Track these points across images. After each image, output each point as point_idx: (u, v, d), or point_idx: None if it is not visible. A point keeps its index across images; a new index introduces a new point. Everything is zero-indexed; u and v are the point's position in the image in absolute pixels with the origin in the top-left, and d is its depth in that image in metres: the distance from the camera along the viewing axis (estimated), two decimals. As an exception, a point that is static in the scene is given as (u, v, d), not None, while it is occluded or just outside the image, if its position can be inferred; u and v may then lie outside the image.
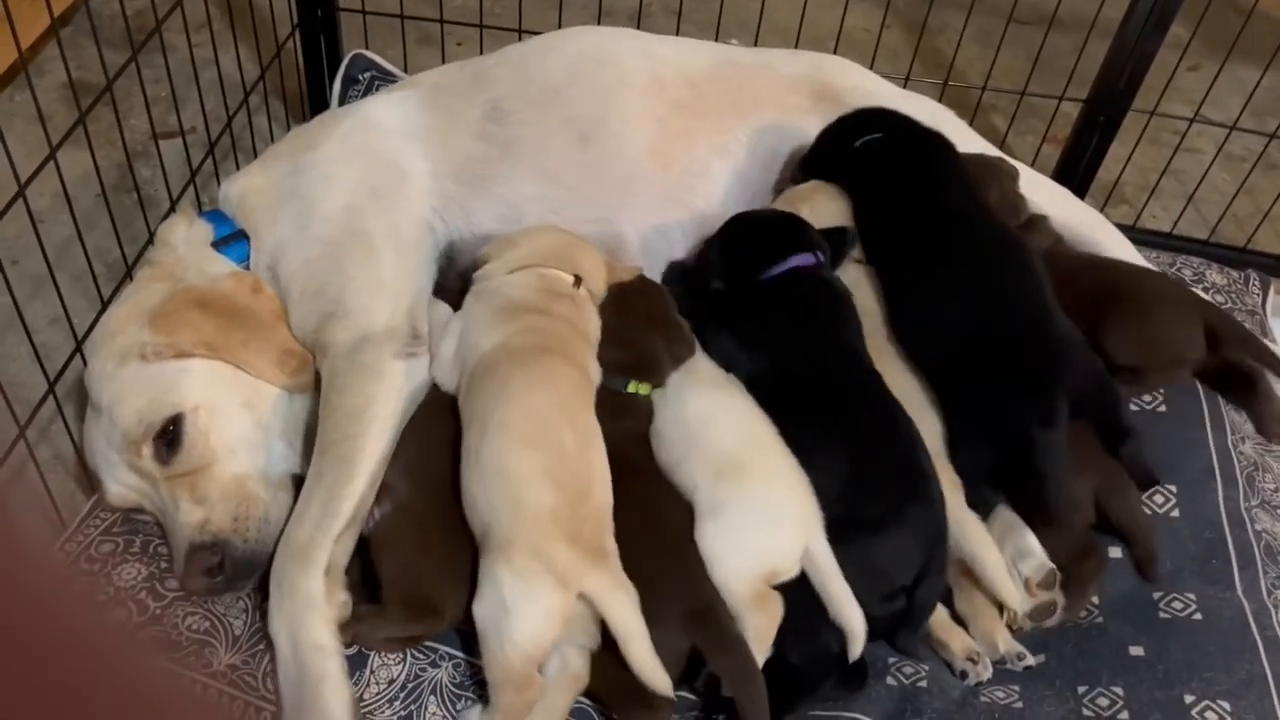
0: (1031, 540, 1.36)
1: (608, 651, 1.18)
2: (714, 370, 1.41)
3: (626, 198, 1.66)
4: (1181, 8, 1.96)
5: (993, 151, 1.79)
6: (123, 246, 1.66)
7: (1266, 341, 1.68)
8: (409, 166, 1.60)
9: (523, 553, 1.13)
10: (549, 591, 1.11)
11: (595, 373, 1.36)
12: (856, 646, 1.22)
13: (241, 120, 2.07)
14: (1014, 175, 1.66)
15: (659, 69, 1.73)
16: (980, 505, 1.36)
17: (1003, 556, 1.34)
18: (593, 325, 1.41)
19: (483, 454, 1.22)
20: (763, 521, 1.24)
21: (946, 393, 1.43)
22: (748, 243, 1.53)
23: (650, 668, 1.14)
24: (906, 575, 1.27)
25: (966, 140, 1.80)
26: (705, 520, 1.25)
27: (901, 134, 1.60)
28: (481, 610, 1.14)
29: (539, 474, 1.18)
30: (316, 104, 2.22)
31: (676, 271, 1.65)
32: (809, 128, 1.74)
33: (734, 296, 1.51)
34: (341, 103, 2.04)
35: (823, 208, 1.59)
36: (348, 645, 1.24)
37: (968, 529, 1.32)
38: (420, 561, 1.25)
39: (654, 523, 1.25)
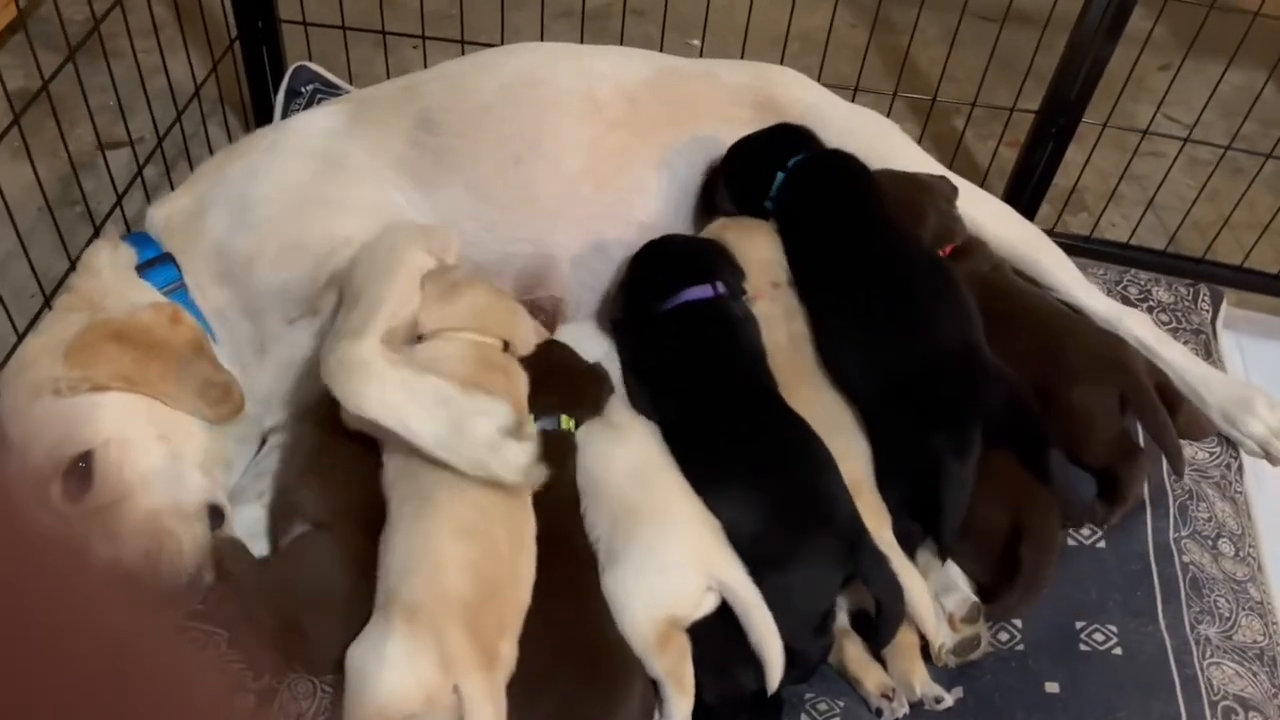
0: (955, 574, 1.35)
1: None
2: (615, 410, 1.40)
3: (560, 219, 1.64)
4: (1146, 10, 1.91)
5: (936, 168, 1.75)
6: (71, 259, 1.66)
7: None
8: (346, 161, 1.59)
9: (423, 622, 1.12)
10: (429, 666, 1.09)
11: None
12: (774, 678, 1.22)
13: (192, 130, 2.05)
14: (951, 195, 1.62)
15: (595, 87, 1.71)
16: (905, 538, 1.34)
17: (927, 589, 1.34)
18: (523, 391, 1.38)
19: (414, 530, 1.20)
20: (657, 566, 1.23)
21: (872, 423, 1.41)
22: (648, 273, 1.52)
23: None
24: (826, 602, 1.27)
25: (910, 156, 1.76)
26: (605, 570, 1.25)
27: (815, 160, 1.57)
28: (358, 650, 1.12)
29: (464, 564, 1.17)
30: (262, 117, 2.20)
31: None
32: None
33: (637, 331, 1.50)
34: (285, 116, 2.02)
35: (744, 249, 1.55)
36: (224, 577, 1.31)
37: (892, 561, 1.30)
38: (314, 587, 1.25)
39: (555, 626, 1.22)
